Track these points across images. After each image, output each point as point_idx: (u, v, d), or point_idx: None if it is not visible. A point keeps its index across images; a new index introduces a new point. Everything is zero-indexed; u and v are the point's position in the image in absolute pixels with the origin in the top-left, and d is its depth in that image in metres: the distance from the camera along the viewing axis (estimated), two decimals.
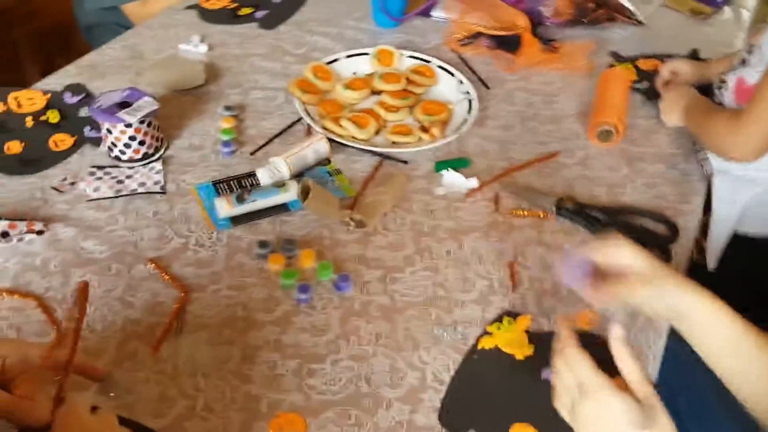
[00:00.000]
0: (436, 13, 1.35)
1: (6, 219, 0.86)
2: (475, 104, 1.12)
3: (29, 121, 1.04)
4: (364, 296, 0.83)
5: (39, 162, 0.97)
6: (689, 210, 0.99)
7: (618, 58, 1.29)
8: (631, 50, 1.32)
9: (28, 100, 1.08)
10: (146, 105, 0.96)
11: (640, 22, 1.35)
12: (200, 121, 1.08)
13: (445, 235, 0.92)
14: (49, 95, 1.10)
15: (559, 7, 1.27)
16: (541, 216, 0.96)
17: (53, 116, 1.05)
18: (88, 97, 1.10)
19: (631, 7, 1.33)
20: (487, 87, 1.20)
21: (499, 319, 0.81)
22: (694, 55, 1.28)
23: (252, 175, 0.97)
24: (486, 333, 0.79)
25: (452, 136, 1.06)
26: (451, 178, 1.00)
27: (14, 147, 0.99)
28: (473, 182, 1.00)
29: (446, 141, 1.06)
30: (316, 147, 1.00)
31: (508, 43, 1.24)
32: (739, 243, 1.08)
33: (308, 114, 1.08)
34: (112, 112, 0.94)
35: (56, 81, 1.14)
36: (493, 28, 1.23)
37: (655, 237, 0.94)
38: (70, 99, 1.09)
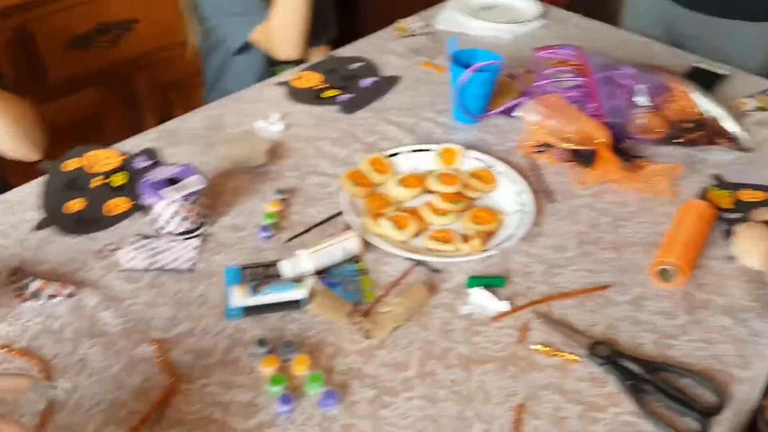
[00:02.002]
0: (518, 112, 1.30)
1: (41, 278, 0.92)
2: (529, 219, 1.05)
3: (97, 181, 1.11)
4: (348, 418, 0.79)
5: (93, 223, 1.04)
6: (747, 377, 0.86)
7: (719, 183, 1.17)
8: (736, 177, 1.18)
9: (105, 159, 1.16)
10: (193, 184, 1.00)
11: (746, 149, 1.21)
12: (251, 201, 1.10)
13: (455, 361, 0.86)
14: (125, 156, 1.17)
15: (649, 124, 1.18)
16: (570, 358, 0.87)
17: (120, 179, 1.12)
18: (157, 164, 1.17)
19: (736, 132, 1.20)
20: (552, 200, 1.13)
21: None
22: None
23: (277, 265, 0.97)
24: None
25: (492, 251, 1.00)
26: (479, 297, 0.94)
27: (75, 206, 1.07)
28: (503, 305, 0.93)
29: (486, 255, 1.00)
30: (345, 244, 0.98)
31: (585, 156, 1.16)
32: None
33: (352, 207, 1.07)
34: (159, 186, 0.99)
35: (136, 143, 1.22)
36: (571, 139, 1.16)
37: (695, 404, 0.81)
38: (141, 163, 1.16)
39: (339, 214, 1.08)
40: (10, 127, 1.18)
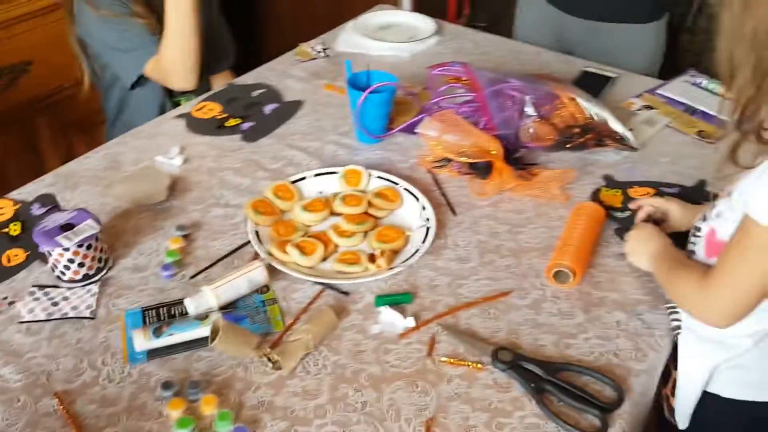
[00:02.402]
0: (417, 130, 1.34)
1: None
2: (431, 232, 1.08)
3: None
4: None
5: None
6: (643, 369, 0.90)
7: (609, 183, 1.23)
8: (626, 176, 1.25)
9: (2, 208, 1.12)
10: (87, 228, 0.98)
11: (633, 148, 1.28)
12: (152, 239, 1.09)
13: (366, 383, 0.87)
14: (19, 205, 1.14)
15: (538, 132, 1.23)
16: (475, 366, 0.89)
17: (14, 229, 1.09)
18: (55, 209, 1.14)
19: (623, 132, 1.27)
20: (454, 213, 1.16)
21: None
22: (700, 188, 1.20)
23: (180, 303, 0.96)
24: None
25: (398, 268, 1.02)
26: (387, 315, 0.96)
27: None
28: (410, 321, 0.95)
29: (392, 272, 1.02)
30: (251, 275, 0.98)
31: (481, 168, 1.20)
32: (710, 402, 0.97)
33: (258, 237, 1.07)
34: (54, 234, 0.96)
35: (30, 190, 1.19)
36: (467, 152, 1.20)
37: (596, 401, 0.85)
38: (37, 210, 1.13)
39: (245, 244, 1.08)
40: None
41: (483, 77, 1.26)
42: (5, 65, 1.62)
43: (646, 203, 1.11)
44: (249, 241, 1.07)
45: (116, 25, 1.46)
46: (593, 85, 1.49)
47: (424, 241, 1.07)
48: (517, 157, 1.23)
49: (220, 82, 1.61)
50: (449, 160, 1.23)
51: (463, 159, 1.20)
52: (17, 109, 1.67)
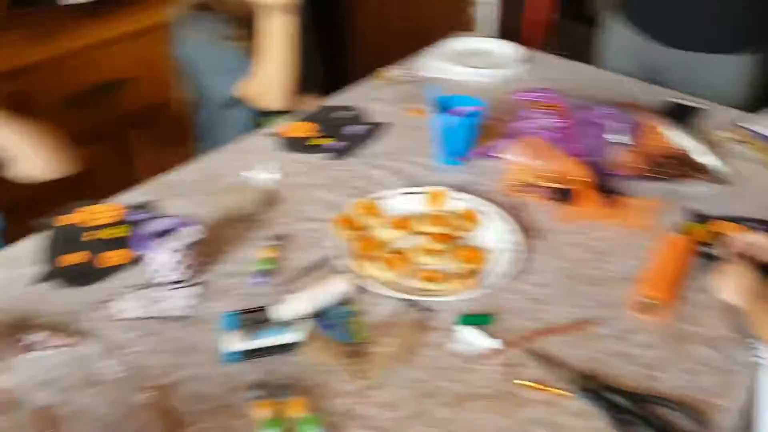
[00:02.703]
0: (502, 155, 1.35)
1: (41, 330, 0.95)
2: (516, 257, 1.09)
3: (95, 235, 1.14)
4: None
5: (92, 276, 1.07)
6: (727, 406, 0.88)
7: (695, 217, 1.21)
8: (714, 210, 1.22)
9: (103, 213, 1.20)
10: (189, 234, 1.03)
11: (721, 182, 1.26)
12: (244, 248, 1.14)
13: (447, 400, 0.89)
14: (123, 209, 1.21)
15: (625, 161, 1.22)
16: (558, 393, 0.89)
17: (119, 232, 1.15)
18: (154, 216, 1.20)
19: (710, 164, 1.25)
20: (538, 238, 1.16)
21: None
22: None
23: (270, 310, 0.99)
24: None
25: (479, 289, 1.04)
26: (469, 335, 0.97)
27: (74, 259, 1.10)
28: (493, 343, 0.96)
29: (474, 293, 1.03)
30: (336, 287, 1.01)
31: (566, 194, 1.20)
32: None
33: (344, 251, 1.10)
34: (156, 238, 1.02)
35: (133, 196, 1.26)
36: (552, 178, 1.21)
37: None
38: (140, 216, 1.20)
39: (330, 258, 1.11)
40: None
41: (569, 104, 1.27)
42: (106, 81, 1.73)
43: (737, 239, 1.09)
44: (335, 255, 1.10)
45: (214, 47, 1.54)
46: (680, 115, 1.47)
47: (506, 264, 1.08)
48: (603, 185, 1.23)
49: (305, 103, 1.67)
50: (534, 185, 1.24)
51: (548, 184, 1.20)
52: (114, 122, 1.78)
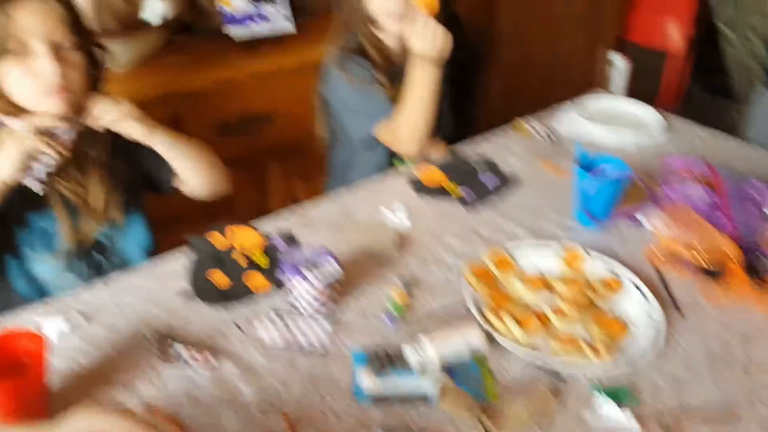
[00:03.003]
0: (644, 220, 1.31)
1: (185, 344, 0.99)
2: (656, 332, 1.04)
3: (239, 257, 1.19)
4: None
5: (234, 297, 1.11)
6: None
7: None
8: None
9: (247, 236, 1.25)
10: (331, 268, 1.06)
11: None
12: (378, 287, 1.15)
13: None
14: (263, 236, 1.26)
15: None
16: None
17: (260, 257, 1.20)
18: (294, 245, 1.24)
19: None
20: (681, 314, 1.11)
21: None
22: None
23: (402, 351, 0.99)
24: None
25: (622, 363, 0.99)
26: (605, 408, 0.93)
27: (218, 279, 1.14)
28: (629, 419, 0.91)
29: (612, 364, 0.99)
30: (469, 338, 1.00)
31: (714, 271, 1.14)
32: None
33: (475, 302, 1.09)
34: (299, 267, 1.05)
35: (274, 223, 1.31)
36: (700, 252, 1.15)
37: None
38: (279, 243, 1.24)
39: (462, 306, 1.10)
40: (198, 163, 1.32)
41: (725, 176, 1.21)
42: (255, 113, 1.82)
43: None
44: (466, 304, 1.09)
45: (359, 90, 1.60)
46: None
47: (647, 338, 1.03)
48: (755, 265, 1.16)
49: (438, 149, 1.69)
50: (679, 258, 1.18)
51: (696, 258, 1.15)
52: (255, 151, 1.86)
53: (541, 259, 1.21)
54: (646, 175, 1.43)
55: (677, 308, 1.12)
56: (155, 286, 1.14)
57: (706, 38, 3.15)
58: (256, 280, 1.14)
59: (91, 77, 1.22)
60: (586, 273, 1.17)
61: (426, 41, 1.46)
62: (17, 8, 1.07)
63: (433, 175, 1.50)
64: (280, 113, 1.86)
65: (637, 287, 1.13)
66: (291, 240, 1.25)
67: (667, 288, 1.17)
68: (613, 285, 1.14)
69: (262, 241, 1.23)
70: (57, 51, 1.11)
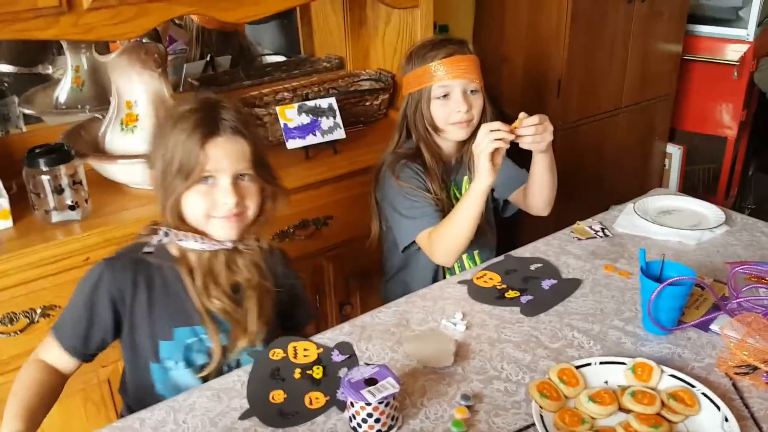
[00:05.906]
0: (716, 328, 1.25)
1: None
2: None
3: (297, 373, 1.19)
4: None
5: (292, 416, 1.09)
6: None
7: None
8: None
9: (304, 350, 1.25)
10: (389, 386, 1.04)
11: None
12: (438, 403, 1.12)
13: None
14: (321, 350, 1.25)
15: None
16: None
17: (318, 372, 1.19)
18: (352, 358, 1.23)
19: None
20: (759, 429, 1.04)
21: None
22: None
23: None
24: None
25: None
26: None
27: (278, 396, 1.13)
28: None
29: None
30: None
31: None
32: None
33: (542, 422, 1.05)
34: (359, 387, 1.04)
35: (331, 336, 1.31)
36: None
37: None
38: (337, 357, 1.23)
39: (529, 426, 1.06)
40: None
41: None
42: (312, 217, 1.87)
43: None
44: (534, 424, 1.05)
45: (409, 195, 1.62)
46: None
47: None
48: None
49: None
50: (755, 368, 1.12)
51: None
52: (312, 254, 1.89)
53: (609, 372, 1.16)
54: (711, 278, 1.38)
55: (755, 422, 1.05)
56: (213, 406, 1.13)
57: (760, 120, 3.13)
58: (313, 397, 1.12)
59: (264, 207, 1.27)
60: (657, 387, 1.12)
61: (538, 139, 1.47)
62: (213, 146, 1.17)
63: (491, 279, 1.48)
64: (336, 217, 1.90)
65: (713, 402, 1.07)
66: (348, 353, 1.24)
67: (743, 400, 1.10)
68: (687, 399, 1.08)
69: (319, 354, 1.22)
70: (236, 180, 1.20)
